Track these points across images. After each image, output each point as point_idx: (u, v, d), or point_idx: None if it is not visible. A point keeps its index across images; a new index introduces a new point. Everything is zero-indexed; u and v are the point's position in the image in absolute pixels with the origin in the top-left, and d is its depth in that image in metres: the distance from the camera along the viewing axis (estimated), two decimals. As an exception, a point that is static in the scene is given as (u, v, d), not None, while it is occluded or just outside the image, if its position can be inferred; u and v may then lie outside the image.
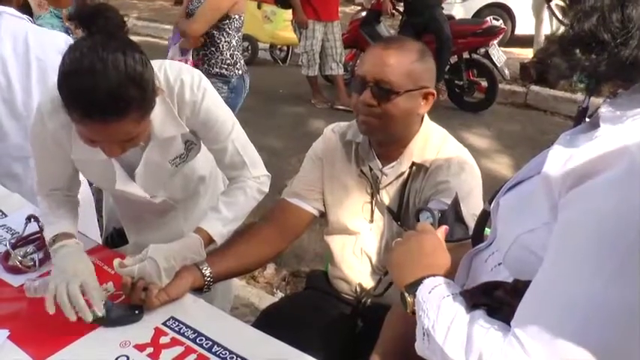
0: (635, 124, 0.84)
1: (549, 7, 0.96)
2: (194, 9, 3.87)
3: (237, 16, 3.84)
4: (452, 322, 0.98)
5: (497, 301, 0.98)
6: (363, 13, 7.28)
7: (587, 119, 0.92)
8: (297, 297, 2.21)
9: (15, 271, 1.75)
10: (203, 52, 3.93)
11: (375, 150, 1.77)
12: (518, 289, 0.96)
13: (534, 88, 7.03)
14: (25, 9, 2.50)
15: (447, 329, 0.98)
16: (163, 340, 1.45)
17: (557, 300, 0.86)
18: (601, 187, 0.82)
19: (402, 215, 1.74)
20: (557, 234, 0.88)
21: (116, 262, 1.57)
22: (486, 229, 1.21)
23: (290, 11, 6.77)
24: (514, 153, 5.47)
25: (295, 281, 3.43)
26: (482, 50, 6.47)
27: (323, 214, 1.89)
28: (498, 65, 6.43)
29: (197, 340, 1.45)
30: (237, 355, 1.39)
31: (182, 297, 1.61)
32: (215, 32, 3.86)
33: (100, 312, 1.47)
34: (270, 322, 1.77)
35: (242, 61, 4.01)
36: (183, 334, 1.47)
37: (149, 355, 1.40)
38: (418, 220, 1.42)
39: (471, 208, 1.59)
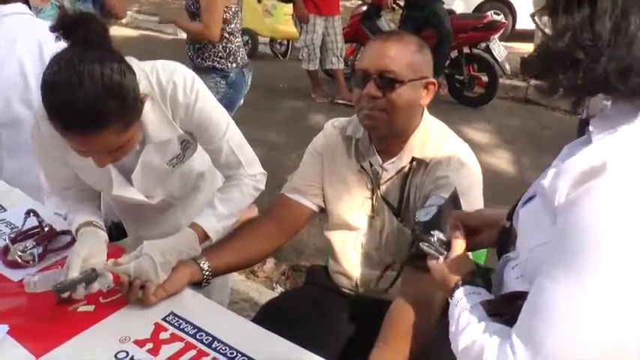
0: (623, 136, 0.88)
1: (536, 24, 0.99)
2: (190, 6, 3.85)
3: (225, 8, 3.78)
4: (464, 330, 1.07)
5: (519, 311, 1.00)
6: (364, 8, 7.27)
7: (590, 128, 0.94)
8: (297, 292, 2.21)
9: (14, 265, 1.74)
10: (198, 45, 3.90)
11: (375, 145, 1.77)
12: None
13: (535, 82, 7.00)
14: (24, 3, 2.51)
15: (460, 336, 1.07)
16: (163, 335, 1.45)
17: (547, 308, 0.90)
18: (586, 196, 0.86)
19: (403, 210, 1.73)
20: (552, 244, 0.93)
21: (110, 261, 1.57)
22: None
23: (290, 5, 6.75)
24: (514, 148, 5.47)
25: (295, 276, 3.43)
26: (483, 45, 6.46)
27: (323, 210, 1.89)
28: (499, 60, 6.42)
29: (197, 336, 1.44)
30: (237, 351, 1.39)
31: (181, 292, 1.61)
32: None
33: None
34: (270, 317, 1.77)
35: (241, 55, 3.96)
36: (183, 330, 1.47)
37: (149, 351, 1.40)
38: (418, 222, 1.42)
39: (471, 203, 1.59)
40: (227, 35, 3.85)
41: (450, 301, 1.18)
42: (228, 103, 3.57)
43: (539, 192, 0.98)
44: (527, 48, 8.46)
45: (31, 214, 1.91)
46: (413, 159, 1.71)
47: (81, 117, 1.37)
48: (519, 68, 7.23)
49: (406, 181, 1.73)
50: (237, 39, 3.95)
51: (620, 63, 0.86)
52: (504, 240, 1.21)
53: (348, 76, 6.86)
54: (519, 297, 1.02)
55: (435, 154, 1.70)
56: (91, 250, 1.61)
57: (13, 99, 2.27)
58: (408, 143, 1.72)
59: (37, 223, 1.89)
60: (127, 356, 1.38)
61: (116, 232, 2.15)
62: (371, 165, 1.78)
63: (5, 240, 1.83)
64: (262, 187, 1.88)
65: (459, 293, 1.16)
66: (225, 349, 1.40)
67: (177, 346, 1.42)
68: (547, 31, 0.94)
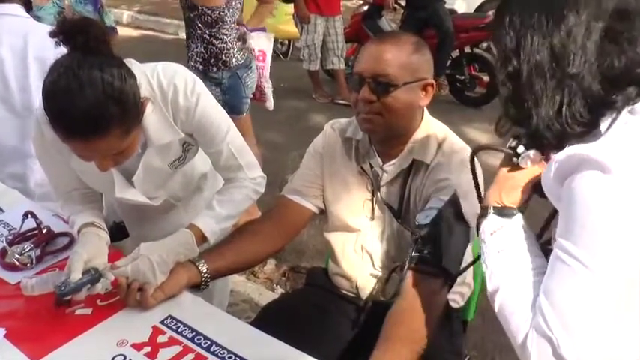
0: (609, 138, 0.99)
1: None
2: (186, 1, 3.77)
3: (205, 9, 3.66)
4: (499, 287, 1.10)
5: None
6: (365, 8, 7.25)
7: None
8: (297, 294, 2.20)
9: (12, 268, 1.73)
10: (186, 44, 3.85)
11: (376, 147, 1.76)
12: None
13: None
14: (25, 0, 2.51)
15: (495, 290, 1.10)
16: (161, 339, 1.44)
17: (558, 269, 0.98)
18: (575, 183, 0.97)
19: (403, 213, 1.72)
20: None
21: (107, 266, 1.57)
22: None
23: (291, 5, 6.74)
24: (515, 148, 5.45)
25: (295, 277, 3.43)
26: (485, 44, 6.45)
27: (323, 211, 1.88)
28: (500, 60, 6.39)
29: (195, 339, 1.44)
30: (236, 355, 1.38)
31: (179, 295, 1.60)
32: (189, 23, 3.77)
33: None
34: (269, 319, 1.77)
35: (231, 59, 3.81)
36: (181, 333, 1.46)
37: (147, 355, 1.39)
38: (419, 225, 1.42)
39: (473, 206, 1.57)
40: (209, 38, 3.74)
41: (481, 223, 1.20)
42: (230, 109, 3.27)
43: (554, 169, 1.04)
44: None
45: (29, 215, 1.90)
46: (413, 161, 1.70)
47: (82, 123, 1.37)
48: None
49: (407, 183, 1.71)
50: (222, 43, 3.78)
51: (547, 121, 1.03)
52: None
53: (349, 76, 6.85)
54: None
55: (436, 156, 1.68)
56: (93, 251, 1.60)
57: None
58: (408, 145, 1.71)
59: (35, 225, 1.88)
60: (124, 359, 1.38)
61: (118, 232, 2.14)
62: (371, 167, 1.76)
63: (3, 242, 1.83)
64: (262, 190, 1.88)
65: (492, 224, 1.18)
66: (224, 353, 1.39)
67: (176, 349, 1.41)
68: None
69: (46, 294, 1.54)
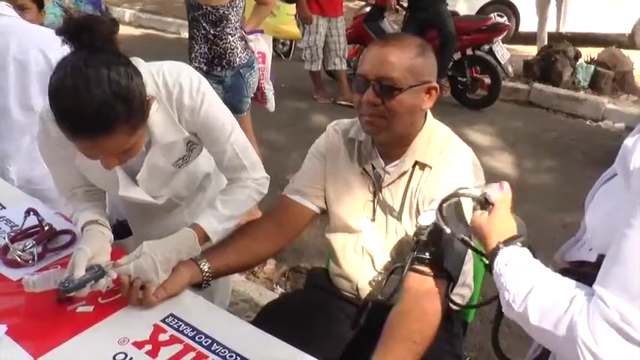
0: None
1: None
2: None
3: (210, 8, 3.68)
4: (529, 293, 1.09)
5: (583, 276, 1.07)
6: (367, 9, 7.25)
7: None
8: (298, 294, 2.20)
9: (13, 265, 1.74)
10: (188, 43, 3.85)
11: (378, 148, 1.76)
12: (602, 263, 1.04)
13: (537, 85, 7.02)
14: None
15: (525, 300, 1.09)
16: (162, 337, 1.44)
17: (633, 253, 0.95)
18: None
19: (405, 214, 1.72)
20: (629, 201, 0.98)
21: (109, 264, 1.57)
22: None
23: (294, 5, 6.74)
24: (516, 150, 5.46)
25: (295, 277, 3.43)
26: (486, 47, 6.44)
27: (324, 212, 1.88)
28: (502, 62, 6.41)
29: (196, 338, 1.44)
30: (237, 354, 1.38)
31: (181, 293, 1.60)
32: (193, 23, 3.77)
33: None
34: (270, 319, 1.77)
35: (234, 58, 3.84)
36: (182, 332, 1.46)
37: (148, 353, 1.39)
38: (420, 227, 1.42)
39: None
40: (212, 38, 3.77)
41: (494, 263, 1.21)
42: (231, 108, 3.39)
43: (618, 158, 1.04)
44: (530, 51, 8.45)
45: (31, 212, 1.90)
46: (416, 162, 1.70)
47: (88, 121, 1.37)
48: (522, 71, 7.30)
49: (408, 184, 1.71)
50: (226, 43, 3.81)
51: None
52: None
53: (350, 77, 6.85)
54: (582, 264, 1.08)
55: (438, 158, 1.68)
56: (96, 249, 1.61)
57: None
58: (410, 147, 1.70)
59: (37, 222, 1.88)
60: (125, 358, 1.38)
61: (121, 231, 2.15)
62: (373, 168, 1.76)
63: (5, 239, 1.82)
64: (265, 191, 1.88)
65: (504, 256, 1.19)
66: (225, 352, 1.39)
67: (177, 348, 1.41)
68: None
69: (47, 291, 1.54)
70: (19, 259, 1.74)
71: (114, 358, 1.38)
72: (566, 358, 1.02)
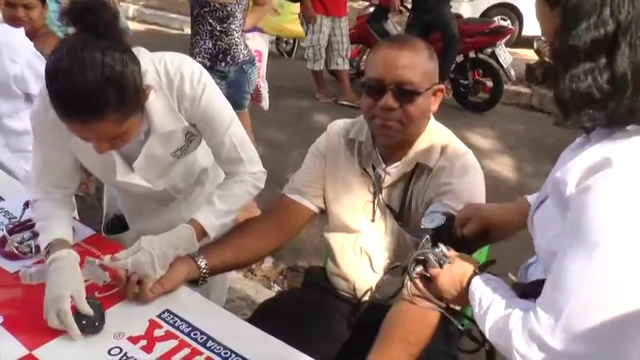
0: (620, 137, 1.01)
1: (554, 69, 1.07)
2: None
3: (217, 5, 3.72)
4: (488, 308, 1.18)
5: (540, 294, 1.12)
6: (371, 9, 7.24)
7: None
8: (295, 293, 2.20)
9: (11, 257, 1.74)
10: (191, 40, 3.86)
11: (379, 149, 1.75)
12: None
13: (539, 90, 7.00)
14: None
15: (486, 315, 1.18)
16: (157, 332, 1.44)
17: (566, 280, 1.02)
18: (594, 185, 0.99)
19: (404, 216, 1.72)
20: (567, 226, 1.04)
21: (107, 257, 1.56)
22: None
23: (298, 4, 6.74)
24: (516, 154, 5.46)
25: (293, 275, 3.43)
26: (489, 50, 6.44)
27: (323, 211, 1.88)
28: (504, 66, 6.40)
29: (191, 335, 1.44)
30: (231, 351, 1.38)
31: (177, 289, 1.60)
32: (198, 19, 3.78)
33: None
34: (266, 317, 1.77)
35: (238, 54, 3.88)
36: (177, 328, 1.46)
37: (142, 348, 1.39)
38: (425, 229, 1.42)
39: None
40: (219, 34, 3.79)
41: (469, 289, 1.26)
42: (232, 104, 3.43)
43: (551, 190, 1.12)
44: (532, 55, 8.43)
45: (30, 205, 1.89)
46: (417, 164, 1.70)
47: (79, 104, 1.38)
48: (524, 74, 7.30)
49: (409, 186, 1.71)
50: (232, 39, 3.85)
51: (634, 104, 0.98)
52: None
53: (352, 77, 6.84)
54: (542, 283, 1.12)
55: (439, 160, 1.68)
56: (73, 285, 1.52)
57: None
58: (412, 148, 1.70)
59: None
60: (120, 352, 1.38)
61: (119, 225, 2.14)
62: (374, 168, 1.76)
63: (2, 230, 1.83)
64: (262, 185, 1.87)
65: (477, 280, 1.25)
66: (220, 349, 1.39)
67: (172, 343, 1.41)
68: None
69: (44, 284, 1.54)
70: (16, 252, 1.74)
71: (109, 352, 1.38)
72: None
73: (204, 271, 1.65)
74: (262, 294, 3.03)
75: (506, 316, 1.12)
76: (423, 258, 1.38)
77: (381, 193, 1.75)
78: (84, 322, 1.42)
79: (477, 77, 6.58)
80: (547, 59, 1.12)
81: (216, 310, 1.61)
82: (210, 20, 3.75)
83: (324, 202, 1.86)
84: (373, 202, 1.77)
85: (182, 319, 1.49)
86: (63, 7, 1.44)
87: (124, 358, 1.37)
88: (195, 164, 1.96)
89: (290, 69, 7.39)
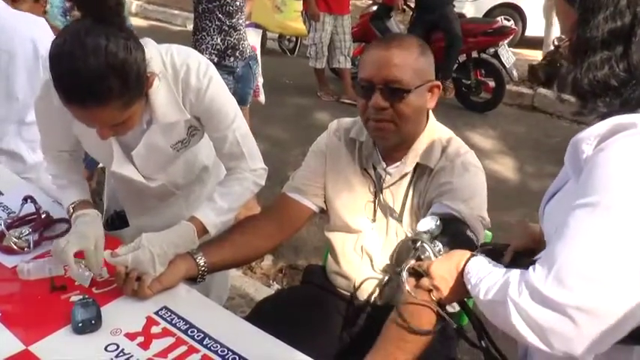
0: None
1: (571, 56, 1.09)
2: None
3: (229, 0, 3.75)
4: (485, 277, 1.17)
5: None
6: (374, 8, 7.24)
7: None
8: (294, 291, 2.19)
9: (9, 251, 1.73)
10: (195, 36, 3.86)
11: (379, 149, 1.75)
12: None
13: (542, 90, 6.99)
14: None
15: (481, 283, 1.17)
16: (154, 329, 1.44)
17: (567, 233, 1.01)
18: (613, 144, 0.98)
19: (405, 216, 1.71)
20: (580, 183, 1.03)
21: (107, 252, 1.56)
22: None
23: (301, 2, 6.73)
24: (518, 155, 5.45)
25: (292, 273, 3.43)
26: (492, 50, 6.43)
27: (323, 210, 1.87)
28: (507, 66, 6.39)
29: (188, 332, 1.43)
30: (229, 349, 1.38)
31: (176, 286, 1.59)
32: (205, 15, 3.78)
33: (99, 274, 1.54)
34: (264, 314, 1.76)
35: (246, 49, 3.90)
36: (174, 325, 1.45)
37: (139, 345, 1.39)
38: (419, 232, 1.42)
39: (476, 210, 1.57)
40: (227, 29, 3.80)
41: (464, 270, 1.25)
42: (238, 100, 3.46)
43: (567, 159, 1.10)
44: (535, 55, 8.42)
45: (29, 200, 1.89)
46: (417, 164, 1.69)
47: (81, 90, 1.38)
48: (527, 75, 7.29)
49: (410, 186, 1.70)
50: (240, 33, 3.88)
51: None
52: None
53: (355, 75, 6.84)
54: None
55: (440, 160, 1.67)
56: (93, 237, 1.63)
57: None
58: (412, 148, 1.69)
59: (34, 210, 1.88)
60: (117, 349, 1.37)
61: (118, 221, 2.14)
62: (374, 168, 1.75)
63: (1, 225, 1.82)
64: (262, 182, 1.87)
65: (473, 260, 1.25)
66: (217, 347, 1.39)
67: (168, 341, 1.40)
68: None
69: (41, 279, 1.54)
70: (14, 246, 1.74)
71: (105, 348, 1.37)
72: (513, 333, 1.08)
73: (203, 268, 1.64)
74: (261, 292, 3.03)
75: (505, 279, 1.11)
76: (419, 255, 1.38)
77: (381, 193, 1.74)
78: (80, 324, 1.41)
79: (479, 77, 6.57)
80: (563, 61, 1.13)
81: (214, 307, 1.60)
82: (220, 15, 3.75)
83: (325, 201, 1.85)
84: (374, 202, 1.76)
85: (179, 317, 1.48)
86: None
87: (121, 354, 1.36)
88: (195, 161, 1.96)
89: (292, 66, 7.39)
